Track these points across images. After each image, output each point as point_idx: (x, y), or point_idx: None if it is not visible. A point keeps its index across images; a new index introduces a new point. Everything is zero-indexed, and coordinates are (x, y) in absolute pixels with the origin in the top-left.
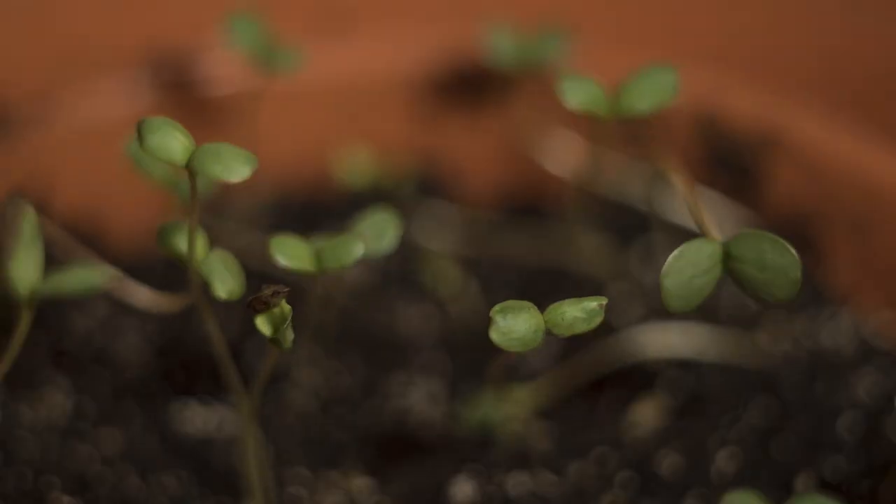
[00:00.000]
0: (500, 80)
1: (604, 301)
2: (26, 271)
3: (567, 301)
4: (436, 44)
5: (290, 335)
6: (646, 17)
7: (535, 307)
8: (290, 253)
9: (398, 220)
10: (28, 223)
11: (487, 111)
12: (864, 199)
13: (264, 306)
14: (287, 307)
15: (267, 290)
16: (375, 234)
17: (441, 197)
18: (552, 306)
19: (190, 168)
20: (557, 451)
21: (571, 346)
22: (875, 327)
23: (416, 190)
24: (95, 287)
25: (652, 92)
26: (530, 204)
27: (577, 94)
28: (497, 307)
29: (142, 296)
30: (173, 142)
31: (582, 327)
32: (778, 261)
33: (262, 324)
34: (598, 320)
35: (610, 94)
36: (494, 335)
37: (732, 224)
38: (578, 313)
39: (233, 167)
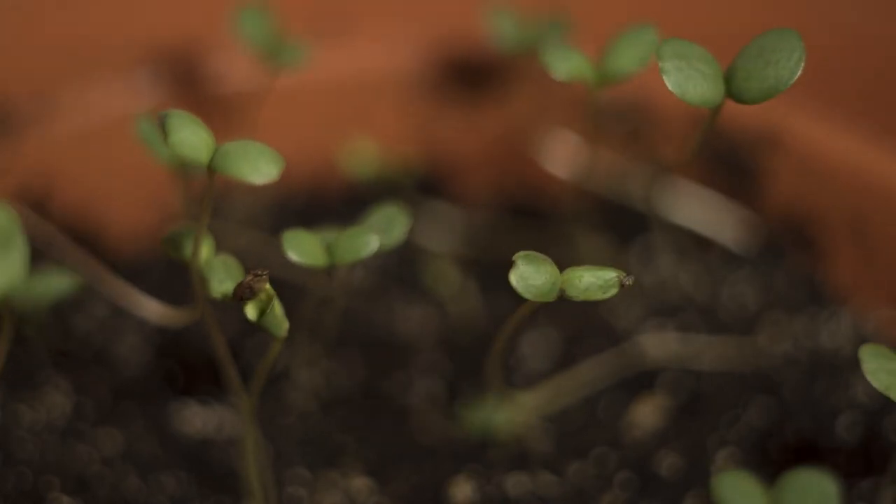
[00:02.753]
0: (500, 79)
1: (623, 274)
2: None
3: (587, 266)
4: (434, 43)
5: (280, 318)
6: (646, 17)
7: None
8: (302, 248)
9: (406, 214)
10: (4, 220)
11: (486, 111)
12: (864, 199)
13: (248, 292)
14: (271, 290)
15: (248, 277)
16: (384, 228)
17: (440, 197)
18: (571, 269)
19: (212, 167)
20: (557, 451)
21: (571, 347)
22: (875, 327)
23: (415, 190)
24: (65, 293)
25: (635, 53)
26: (529, 204)
27: (563, 65)
28: (521, 253)
29: (145, 305)
30: (198, 139)
31: (596, 295)
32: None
33: (250, 310)
34: (613, 291)
35: (595, 62)
36: (514, 278)
37: (732, 224)
38: (595, 280)
39: (261, 167)
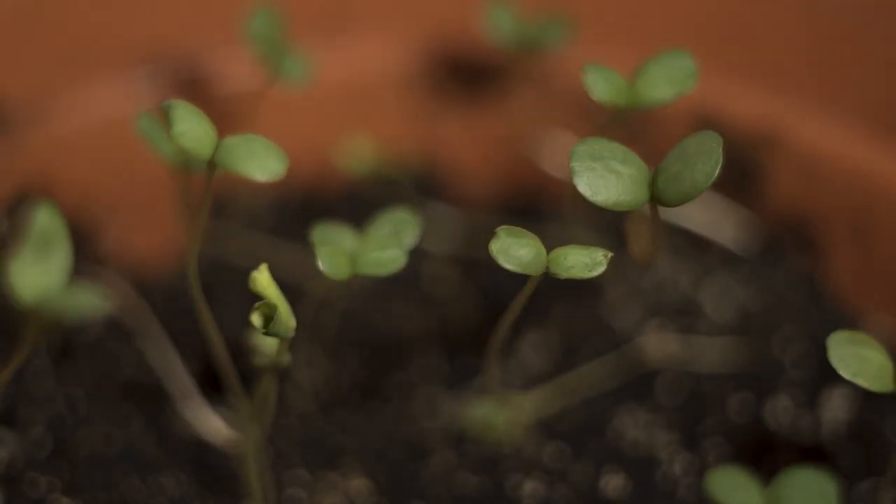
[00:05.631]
0: (500, 80)
1: (609, 254)
2: (33, 276)
3: (574, 245)
4: (434, 44)
5: (287, 322)
6: (645, 17)
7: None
8: (332, 261)
9: (416, 219)
10: (45, 221)
11: (486, 111)
12: (864, 199)
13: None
14: (272, 302)
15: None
16: (394, 233)
17: (439, 198)
18: (558, 248)
19: (214, 162)
20: (557, 454)
21: (572, 349)
22: (874, 328)
23: (414, 190)
24: (95, 313)
25: (671, 78)
26: (528, 205)
27: (602, 86)
28: (504, 226)
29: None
30: (202, 132)
31: (581, 272)
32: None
33: (256, 319)
34: (599, 269)
35: (628, 85)
36: (494, 248)
37: (732, 224)
38: (582, 258)
39: (266, 164)
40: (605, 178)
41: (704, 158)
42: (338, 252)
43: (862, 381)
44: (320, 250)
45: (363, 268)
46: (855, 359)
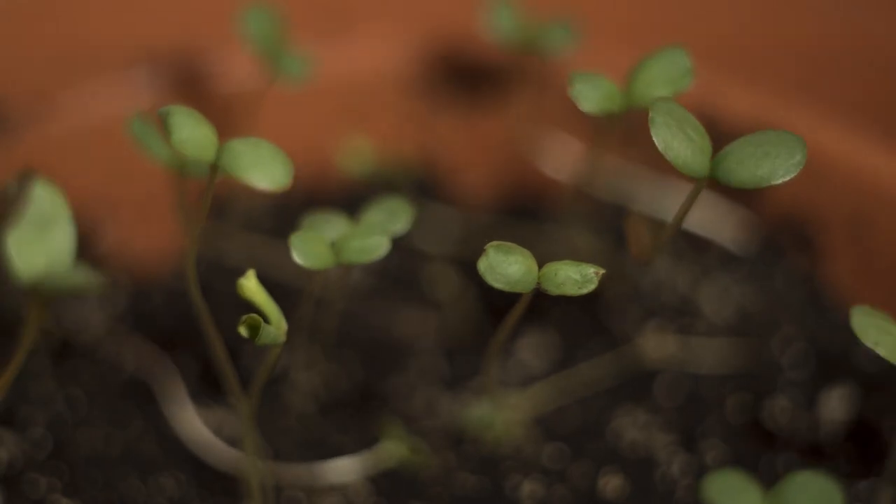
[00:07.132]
0: (499, 80)
1: (601, 270)
2: (34, 253)
3: (565, 261)
4: (433, 44)
5: (276, 327)
6: (643, 17)
7: (531, 254)
8: (308, 252)
9: (409, 206)
10: (43, 198)
11: (485, 112)
12: (863, 199)
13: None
14: (257, 317)
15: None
16: (387, 220)
17: (438, 199)
18: (549, 263)
19: (218, 166)
20: (555, 454)
21: (571, 350)
22: None
23: (413, 191)
24: (93, 289)
25: (667, 76)
26: (527, 206)
27: (592, 95)
28: (494, 242)
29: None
30: (203, 138)
31: (571, 289)
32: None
33: (244, 330)
34: (590, 287)
35: (620, 85)
36: (482, 266)
37: (731, 224)
38: (573, 274)
39: (273, 173)
40: (678, 137)
41: (788, 152)
42: (314, 240)
43: (882, 351)
44: (295, 239)
45: (347, 255)
46: (875, 328)
